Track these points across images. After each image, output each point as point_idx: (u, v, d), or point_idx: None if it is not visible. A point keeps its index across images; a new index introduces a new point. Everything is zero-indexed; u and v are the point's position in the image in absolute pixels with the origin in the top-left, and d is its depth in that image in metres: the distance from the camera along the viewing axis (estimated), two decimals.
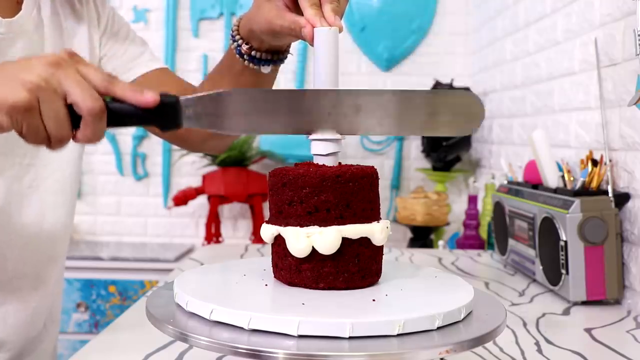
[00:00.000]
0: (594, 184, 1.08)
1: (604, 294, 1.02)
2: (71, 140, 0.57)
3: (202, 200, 2.40)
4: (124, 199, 2.47)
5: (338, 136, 0.59)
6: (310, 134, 0.59)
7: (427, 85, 2.27)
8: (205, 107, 0.57)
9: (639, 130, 1.02)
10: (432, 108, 0.56)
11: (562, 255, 1.02)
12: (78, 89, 0.54)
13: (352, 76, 2.43)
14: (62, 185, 0.89)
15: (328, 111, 0.56)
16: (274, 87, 0.88)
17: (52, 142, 0.56)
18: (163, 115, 0.57)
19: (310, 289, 0.56)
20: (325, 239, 0.55)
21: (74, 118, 0.55)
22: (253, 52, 0.77)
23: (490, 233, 1.59)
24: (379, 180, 0.60)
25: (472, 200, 1.76)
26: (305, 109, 0.57)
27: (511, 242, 1.29)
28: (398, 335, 0.48)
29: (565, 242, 1.02)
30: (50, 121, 0.54)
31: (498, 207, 1.37)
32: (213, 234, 2.30)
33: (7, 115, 0.53)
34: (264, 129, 0.59)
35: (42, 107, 0.54)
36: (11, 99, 0.53)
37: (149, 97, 0.56)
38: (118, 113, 0.56)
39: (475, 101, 0.56)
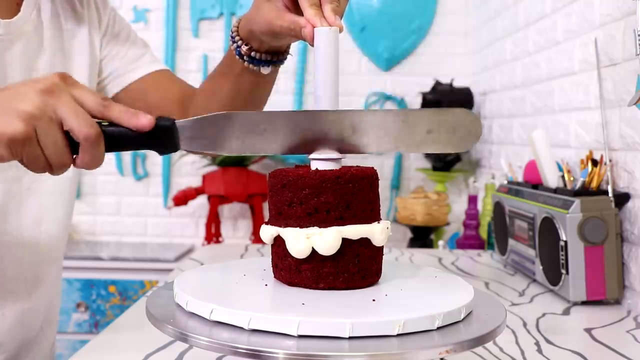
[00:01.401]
0: (594, 184, 1.08)
1: (604, 294, 1.02)
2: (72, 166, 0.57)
3: (202, 200, 2.40)
4: (124, 199, 2.47)
5: (339, 155, 0.59)
6: (309, 154, 0.58)
7: (427, 84, 2.27)
8: (202, 129, 0.57)
9: (639, 130, 1.02)
10: (430, 125, 0.56)
11: (562, 255, 1.03)
12: (73, 116, 0.54)
13: (352, 76, 2.43)
14: (61, 187, 0.88)
15: (326, 131, 0.56)
16: (273, 89, 0.87)
17: (54, 168, 0.56)
18: (160, 139, 0.57)
19: (310, 289, 0.56)
20: (325, 240, 0.54)
21: (73, 143, 0.55)
22: (253, 53, 0.77)
23: (490, 233, 1.59)
24: (379, 181, 0.60)
25: (472, 200, 1.76)
26: (303, 129, 0.57)
27: (511, 242, 1.29)
28: (398, 335, 0.48)
29: (565, 242, 1.02)
30: (49, 149, 0.54)
31: (498, 207, 1.37)
32: (213, 234, 2.30)
33: (6, 147, 0.54)
34: (262, 150, 0.58)
35: (40, 136, 0.54)
36: (9, 132, 0.53)
37: (144, 121, 0.56)
38: (115, 137, 0.57)
39: (472, 118, 0.56)
